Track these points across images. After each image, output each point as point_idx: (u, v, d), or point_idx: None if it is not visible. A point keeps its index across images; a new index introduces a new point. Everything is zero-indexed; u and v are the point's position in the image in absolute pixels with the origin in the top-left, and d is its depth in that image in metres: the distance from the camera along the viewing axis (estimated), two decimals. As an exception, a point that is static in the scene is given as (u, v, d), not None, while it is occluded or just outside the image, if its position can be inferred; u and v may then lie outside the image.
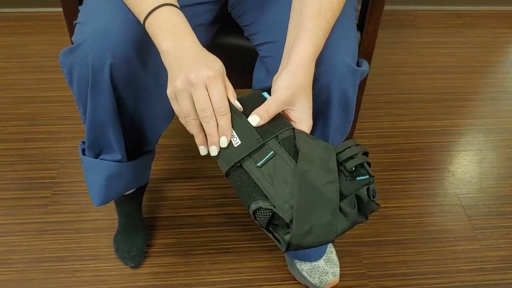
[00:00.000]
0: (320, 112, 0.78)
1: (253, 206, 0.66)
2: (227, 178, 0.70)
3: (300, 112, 0.70)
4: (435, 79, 1.66)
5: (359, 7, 0.99)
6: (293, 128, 0.70)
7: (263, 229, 0.67)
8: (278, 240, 0.66)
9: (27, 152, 1.35)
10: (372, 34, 0.97)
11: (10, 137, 1.39)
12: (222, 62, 0.68)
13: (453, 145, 1.44)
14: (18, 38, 1.73)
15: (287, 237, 0.64)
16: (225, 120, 0.66)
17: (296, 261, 1.08)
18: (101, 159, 0.87)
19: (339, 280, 1.10)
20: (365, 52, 1.00)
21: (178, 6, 0.71)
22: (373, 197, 0.67)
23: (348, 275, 1.12)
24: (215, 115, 0.65)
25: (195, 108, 0.65)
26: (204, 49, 0.69)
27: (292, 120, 0.71)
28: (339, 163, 0.68)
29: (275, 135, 0.68)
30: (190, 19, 0.84)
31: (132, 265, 1.10)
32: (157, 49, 0.69)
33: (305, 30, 0.70)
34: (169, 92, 0.67)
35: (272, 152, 0.67)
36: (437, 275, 1.13)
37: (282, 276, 1.11)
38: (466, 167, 1.38)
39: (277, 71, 0.72)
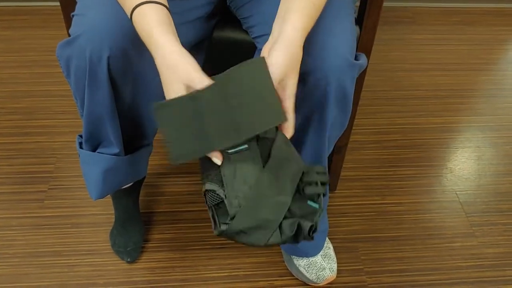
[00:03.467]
0: (316, 106, 0.78)
1: (208, 186, 0.69)
2: None
3: (288, 88, 0.69)
4: (434, 76, 1.66)
5: (358, 3, 0.98)
6: (278, 131, 0.70)
7: (205, 204, 0.70)
8: (215, 222, 0.69)
9: (24, 146, 1.34)
10: (371, 29, 0.96)
11: (6, 131, 1.38)
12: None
13: (451, 142, 1.44)
14: (15, 32, 1.72)
15: (223, 227, 0.68)
16: None
17: (293, 256, 1.08)
18: (98, 152, 0.87)
19: (336, 276, 1.10)
20: (364, 47, 0.99)
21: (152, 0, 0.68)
22: (313, 233, 0.70)
23: (346, 271, 1.12)
24: None
25: None
26: (176, 53, 0.65)
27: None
28: (300, 180, 0.70)
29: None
30: (188, 12, 0.84)
31: (129, 260, 1.10)
32: None
33: (296, 3, 0.69)
34: None
35: (246, 146, 0.67)
36: (434, 271, 1.13)
37: (279, 271, 1.11)
38: (464, 164, 1.38)
39: None
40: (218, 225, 0.69)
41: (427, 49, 1.77)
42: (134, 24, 0.68)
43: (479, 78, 1.67)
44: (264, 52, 0.70)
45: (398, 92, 1.59)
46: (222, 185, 0.68)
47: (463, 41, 1.82)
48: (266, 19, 0.83)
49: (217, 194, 0.68)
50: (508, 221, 1.24)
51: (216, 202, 0.68)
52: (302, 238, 0.70)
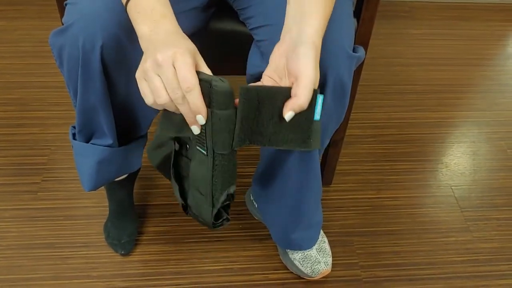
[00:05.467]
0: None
1: (233, 188, 0.75)
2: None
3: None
4: (431, 71, 1.65)
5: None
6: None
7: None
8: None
9: (17, 138, 1.33)
10: (369, 22, 0.96)
11: (0, 122, 1.37)
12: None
13: (447, 137, 1.44)
14: (9, 22, 1.70)
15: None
16: (192, 96, 0.61)
17: (288, 250, 1.08)
18: (92, 143, 0.86)
19: (331, 270, 1.10)
20: (362, 40, 0.99)
21: None
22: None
23: (341, 264, 1.12)
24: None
25: (166, 89, 0.62)
26: (180, 31, 0.67)
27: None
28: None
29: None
30: (184, 2, 0.83)
31: (123, 252, 1.09)
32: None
33: (312, 3, 0.68)
34: (137, 73, 0.65)
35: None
36: (429, 266, 1.13)
37: (274, 265, 1.11)
38: (459, 159, 1.38)
39: None
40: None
41: (424, 44, 1.76)
42: (131, 7, 0.67)
43: (476, 73, 1.66)
44: (274, 51, 0.69)
45: (394, 87, 1.58)
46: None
47: (460, 36, 1.81)
48: (264, 9, 0.82)
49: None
50: (502, 216, 1.24)
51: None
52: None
